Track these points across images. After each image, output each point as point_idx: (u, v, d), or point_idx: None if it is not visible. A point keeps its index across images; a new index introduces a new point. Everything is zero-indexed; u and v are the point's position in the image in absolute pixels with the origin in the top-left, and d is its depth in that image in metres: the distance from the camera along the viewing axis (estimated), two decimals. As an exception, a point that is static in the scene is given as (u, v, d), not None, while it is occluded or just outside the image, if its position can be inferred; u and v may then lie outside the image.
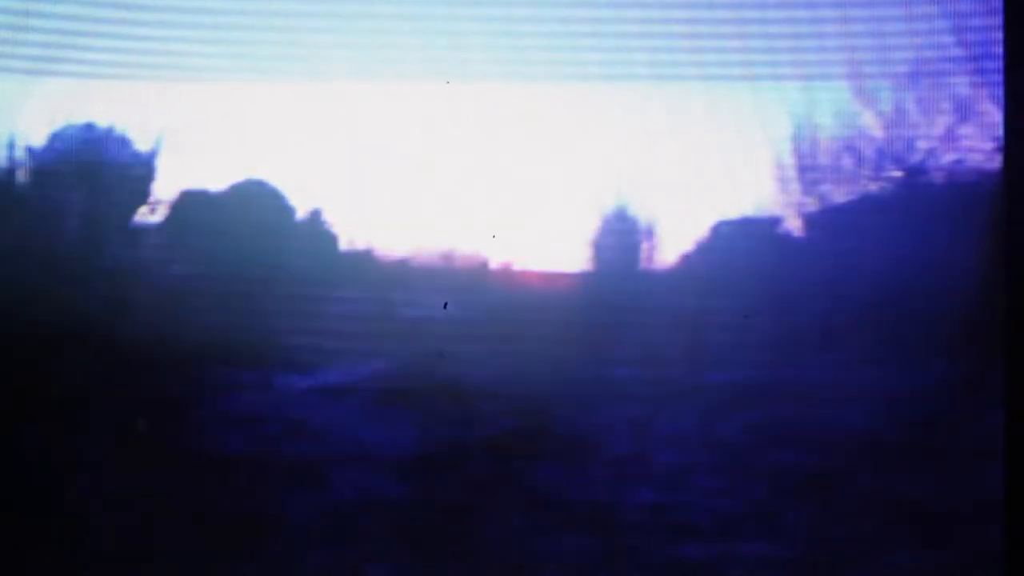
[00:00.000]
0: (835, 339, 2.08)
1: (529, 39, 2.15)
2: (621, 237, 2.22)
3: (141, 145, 2.25)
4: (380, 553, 2.02)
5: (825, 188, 2.14)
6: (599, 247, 2.24)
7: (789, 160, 2.14)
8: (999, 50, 2.01)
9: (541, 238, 2.23)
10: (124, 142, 2.24)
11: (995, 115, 2.02)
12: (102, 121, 2.25)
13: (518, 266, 2.25)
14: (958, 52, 2.05)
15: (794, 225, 2.16)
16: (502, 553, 2.02)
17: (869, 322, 2.07)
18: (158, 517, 2.03)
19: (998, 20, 2.01)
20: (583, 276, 2.24)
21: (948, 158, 2.08)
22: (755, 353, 2.09)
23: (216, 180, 2.29)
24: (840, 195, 2.14)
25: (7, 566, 2.06)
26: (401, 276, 2.22)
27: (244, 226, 2.24)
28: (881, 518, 2.02)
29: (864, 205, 2.14)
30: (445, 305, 2.13)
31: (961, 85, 2.06)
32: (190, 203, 2.28)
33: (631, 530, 2.06)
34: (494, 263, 2.23)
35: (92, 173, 2.24)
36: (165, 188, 2.28)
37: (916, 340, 2.04)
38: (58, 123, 2.25)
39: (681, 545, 2.02)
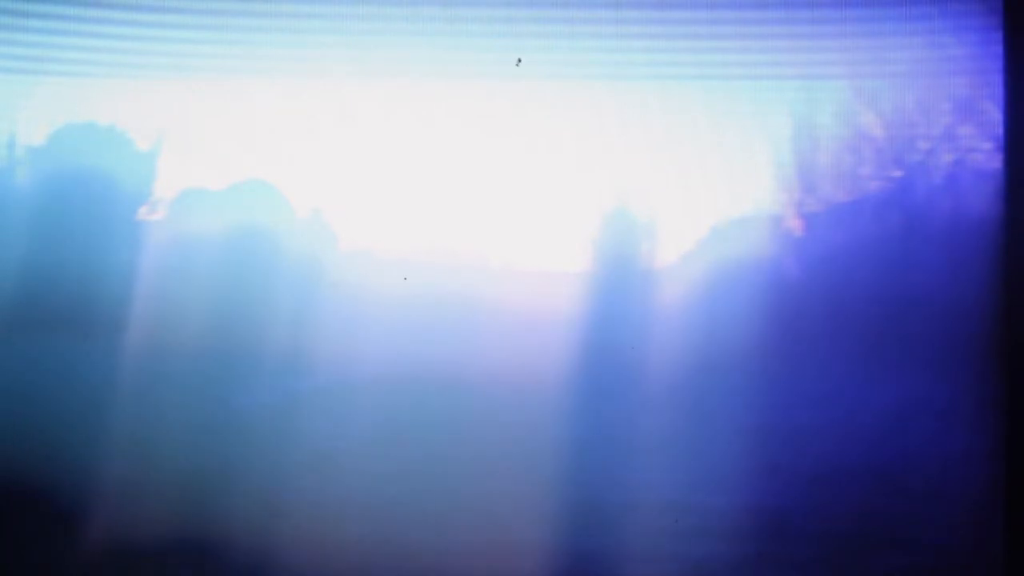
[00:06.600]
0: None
1: (533, 39, 2.16)
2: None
3: (141, 145, 2.24)
4: None
5: (825, 189, 2.13)
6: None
7: (789, 161, 2.13)
8: (999, 49, 2.01)
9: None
10: (124, 142, 2.24)
11: (995, 113, 2.02)
12: (102, 121, 2.25)
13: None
14: (957, 51, 2.05)
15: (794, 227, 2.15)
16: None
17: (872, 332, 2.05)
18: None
19: (998, 19, 2.01)
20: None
21: (947, 158, 2.08)
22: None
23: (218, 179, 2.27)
24: (839, 196, 2.13)
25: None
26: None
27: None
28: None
29: (864, 207, 2.13)
30: None
31: (961, 85, 2.06)
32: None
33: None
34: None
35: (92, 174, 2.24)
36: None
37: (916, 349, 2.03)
38: (58, 123, 2.25)
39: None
